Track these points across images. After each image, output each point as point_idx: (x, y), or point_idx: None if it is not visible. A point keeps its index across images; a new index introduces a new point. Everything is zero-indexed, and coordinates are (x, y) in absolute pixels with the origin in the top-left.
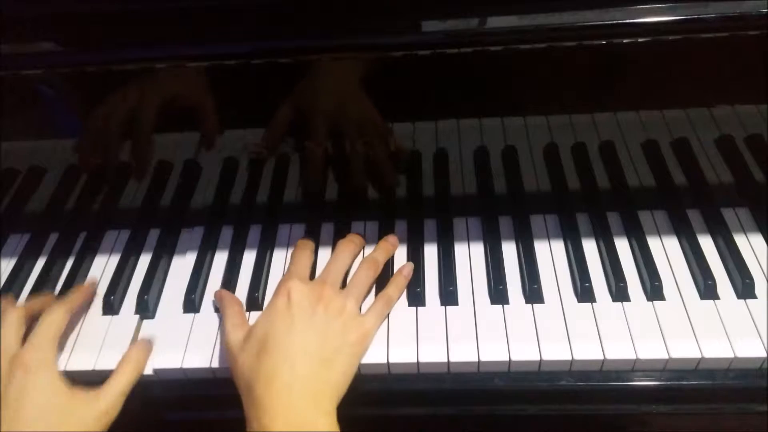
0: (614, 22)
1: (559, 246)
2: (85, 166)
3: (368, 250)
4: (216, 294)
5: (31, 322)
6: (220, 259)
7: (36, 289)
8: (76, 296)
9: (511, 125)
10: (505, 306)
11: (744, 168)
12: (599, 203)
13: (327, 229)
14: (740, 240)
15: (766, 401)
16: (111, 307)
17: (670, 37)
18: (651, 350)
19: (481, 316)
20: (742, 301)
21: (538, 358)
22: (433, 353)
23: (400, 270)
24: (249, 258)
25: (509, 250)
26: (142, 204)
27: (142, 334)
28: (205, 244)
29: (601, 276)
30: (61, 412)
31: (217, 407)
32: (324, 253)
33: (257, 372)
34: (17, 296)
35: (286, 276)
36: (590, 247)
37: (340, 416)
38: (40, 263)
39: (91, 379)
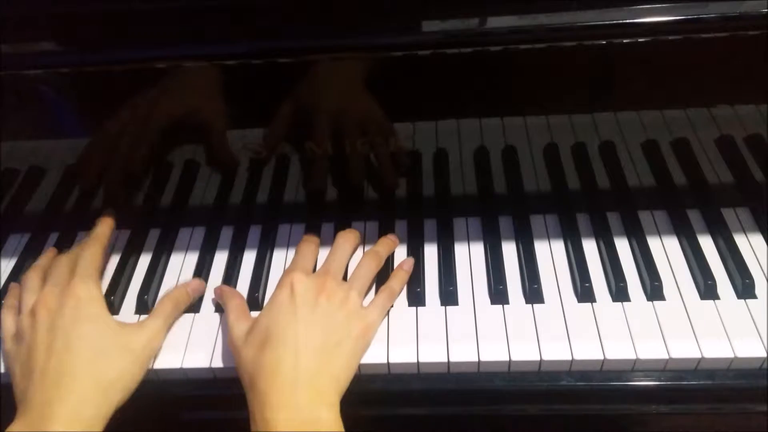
0: (614, 22)
1: (559, 246)
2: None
3: (369, 247)
4: (216, 290)
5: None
6: (220, 259)
7: None
8: (102, 229)
9: (511, 125)
10: (505, 306)
11: (744, 168)
12: (599, 203)
13: (327, 229)
14: (740, 240)
15: (766, 401)
16: (111, 306)
17: (670, 37)
18: (651, 350)
19: (481, 316)
20: (742, 301)
21: (538, 358)
22: (433, 353)
23: (400, 264)
24: (249, 258)
25: (509, 250)
26: (143, 204)
27: None
28: (205, 244)
29: (601, 276)
30: (110, 338)
31: (219, 407)
32: (324, 253)
33: (260, 365)
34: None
35: (290, 268)
36: (590, 247)
37: (341, 415)
38: None
39: None
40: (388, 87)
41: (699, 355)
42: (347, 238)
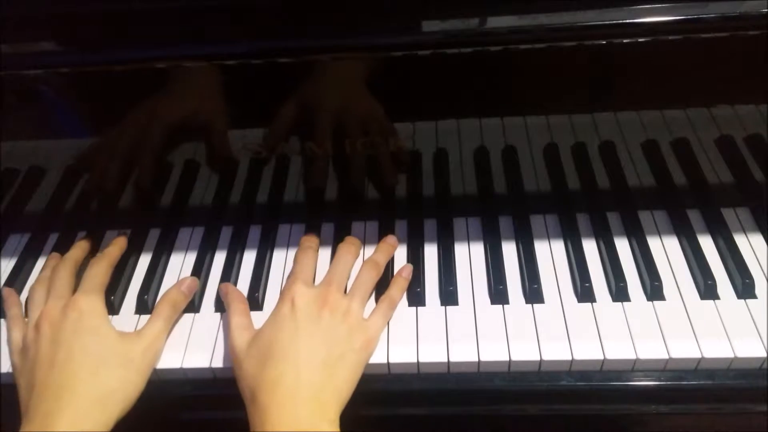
0: (614, 22)
1: (559, 246)
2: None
3: (368, 249)
4: (221, 287)
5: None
6: (220, 259)
7: None
8: (114, 249)
9: (511, 125)
10: (505, 306)
11: (744, 168)
12: (599, 203)
13: (327, 229)
14: (740, 240)
15: (766, 401)
16: (111, 306)
17: (670, 37)
18: (651, 350)
19: (481, 316)
20: (742, 301)
21: (538, 358)
22: (433, 353)
23: (399, 272)
24: (249, 258)
25: (509, 250)
26: (143, 204)
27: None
28: (205, 243)
29: (601, 276)
30: (110, 349)
31: (219, 407)
32: (324, 253)
33: (262, 379)
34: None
35: (291, 280)
36: (590, 247)
37: (341, 416)
38: (40, 263)
39: None
40: (388, 87)
41: (699, 355)
42: (348, 249)
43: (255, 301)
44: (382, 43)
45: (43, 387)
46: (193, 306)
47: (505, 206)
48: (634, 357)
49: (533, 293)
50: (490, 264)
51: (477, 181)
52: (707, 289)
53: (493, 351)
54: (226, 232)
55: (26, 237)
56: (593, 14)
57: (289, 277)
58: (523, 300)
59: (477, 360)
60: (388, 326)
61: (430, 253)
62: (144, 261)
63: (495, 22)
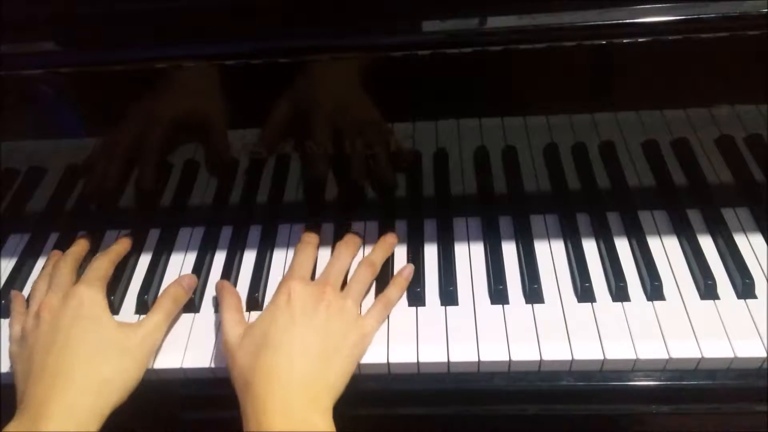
0: (614, 22)
1: (559, 246)
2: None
3: (368, 250)
4: (217, 284)
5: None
6: (220, 259)
7: None
8: (118, 246)
9: (511, 125)
10: (505, 306)
11: (744, 168)
12: (599, 203)
13: (327, 229)
14: (740, 240)
15: (766, 401)
16: (111, 306)
17: (670, 37)
18: (651, 350)
19: (481, 316)
20: (742, 301)
21: (538, 358)
22: (433, 353)
23: (400, 271)
24: (249, 258)
25: (509, 250)
26: (143, 204)
27: None
28: (205, 244)
29: (601, 276)
30: (108, 338)
31: (219, 407)
32: (324, 253)
33: (255, 369)
34: None
35: (288, 274)
36: (590, 247)
37: (341, 416)
38: (40, 263)
39: None
40: (388, 87)
41: (699, 355)
42: (347, 247)
43: (255, 301)
44: (382, 43)
45: (39, 372)
46: (193, 306)
47: (505, 206)
48: (634, 357)
49: (533, 293)
50: (490, 264)
51: (477, 181)
52: (707, 289)
53: (493, 351)
54: (226, 232)
55: (26, 237)
56: (593, 14)
57: (288, 271)
58: (523, 300)
59: (477, 360)
60: (388, 326)
61: (430, 253)
62: (144, 261)
63: (495, 22)
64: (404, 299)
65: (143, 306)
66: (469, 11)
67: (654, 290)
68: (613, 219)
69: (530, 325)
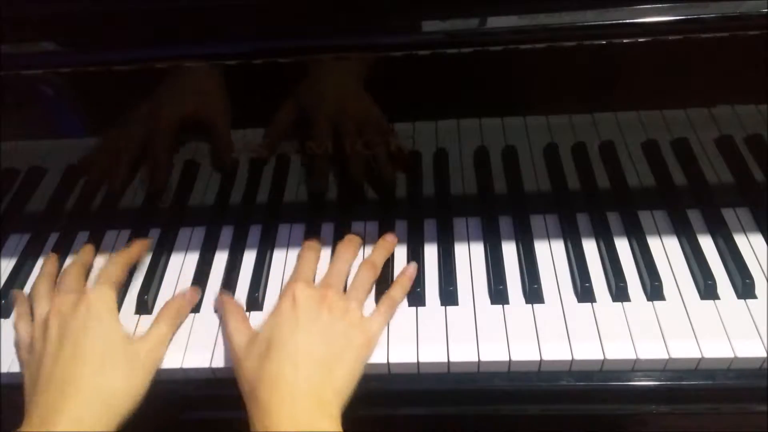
0: (614, 22)
1: (559, 246)
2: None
3: (368, 250)
4: (217, 299)
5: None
6: (221, 259)
7: None
8: (132, 249)
9: (511, 125)
10: (505, 306)
11: (744, 168)
12: (599, 203)
13: (327, 229)
14: (740, 240)
15: (766, 401)
16: None
17: (670, 37)
18: (651, 350)
19: (481, 316)
20: (742, 301)
21: (538, 358)
22: (433, 353)
23: (403, 271)
24: (249, 258)
25: (509, 250)
26: (143, 204)
27: (140, 332)
28: (206, 244)
29: (601, 276)
30: (116, 349)
31: (219, 407)
32: (324, 253)
33: (261, 375)
34: None
35: (292, 278)
36: (590, 247)
37: (341, 416)
38: (40, 263)
39: None
40: (388, 87)
41: (699, 355)
42: (347, 248)
43: (255, 301)
44: (382, 43)
45: (46, 382)
46: (194, 306)
47: (505, 206)
48: (634, 357)
49: (533, 293)
50: (490, 264)
51: (477, 181)
52: (707, 289)
53: (493, 351)
54: (227, 232)
55: (26, 237)
56: (593, 14)
57: (291, 275)
58: (523, 300)
59: (477, 360)
60: (388, 326)
61: (430, 253)
62: (144, 261)
63: (495, 22)
64: (404, 299)
65: (143, 306)
66: (469, 11)
67: (654, 290)
68: (613, 219)
69: (530, 325)
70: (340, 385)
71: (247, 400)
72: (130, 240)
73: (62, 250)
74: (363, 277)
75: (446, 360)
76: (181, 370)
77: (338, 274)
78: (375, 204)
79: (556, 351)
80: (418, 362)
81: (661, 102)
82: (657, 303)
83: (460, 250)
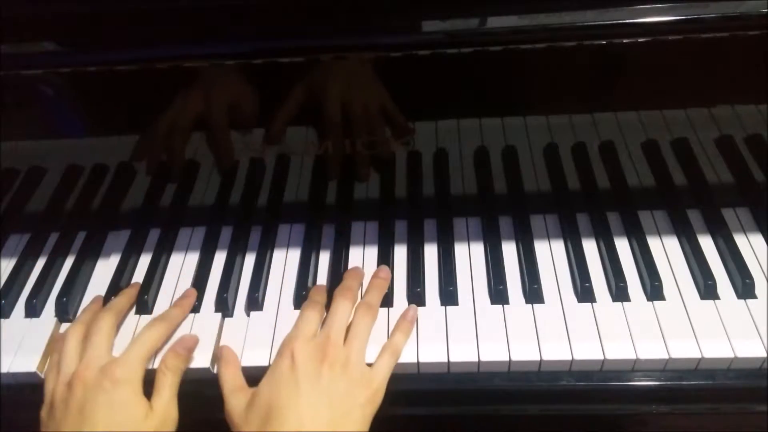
0: (614, 22)
1: (559, 246)
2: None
3: (368, 249)
4: (216, 350)
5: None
6: (220, 259)
7: (36, 289)
8: (176, 312)
9: (511, 125)
10: (505, 306)
11: (744, 168)
12: (599, 203)
13: (327, 229)
14: (740, 240)
15: (766, 401)
16: None
17: (670, 37)
18: (651, 350)
19: (481, 316)
20: (742, 301)
21: (538, 358)
22: (433, 353)
23: (404, 315)
24: (249, 258)
25: (509, 250)
26: (142, 204)
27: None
28: (206, 244)
29: (601, 276)
30: (134, 427)
31: (219, 407)
32: (324, 254)
33: None
34: (17, 296)
35: (293, 333)
36: (590, 247)
37: None
38: (40, 263)
39: None
40: (388, 87)
41: (699, 355)
42: (345, 295)
43: (255, 302)
44: (382, 43)
45: None
46: (194, 306)
47: (505, 206)
48: (634, 357)
49: (533, 293)
50: (490, 264)
51: (477, 181)
52: (707, 289)
53: (493, 351)
54: (227, 233)
55: (26, 237)
56: (593, 14)
57: (292, 330)
58: (523, 300)
59: (477, 360)
60: (388, 327)
61: (430, 253)
62: (144, 261)
63: (495, 22)
64: (404, 299)
65: (143, 306)
66: (469, 11)
67: (654, 290)
68: (613, 219)
69: (530, 325)
70: None
71: None
72: (130, 240)
73: (62, 250)
74: (361, 323)
75: (446, 360)
76: None
77: (337, 325)
78: (375, 204)
79: (556, 351)
80: (418, 362)
81: (661, 102)
82: (657, 303)
83: (460, 250)
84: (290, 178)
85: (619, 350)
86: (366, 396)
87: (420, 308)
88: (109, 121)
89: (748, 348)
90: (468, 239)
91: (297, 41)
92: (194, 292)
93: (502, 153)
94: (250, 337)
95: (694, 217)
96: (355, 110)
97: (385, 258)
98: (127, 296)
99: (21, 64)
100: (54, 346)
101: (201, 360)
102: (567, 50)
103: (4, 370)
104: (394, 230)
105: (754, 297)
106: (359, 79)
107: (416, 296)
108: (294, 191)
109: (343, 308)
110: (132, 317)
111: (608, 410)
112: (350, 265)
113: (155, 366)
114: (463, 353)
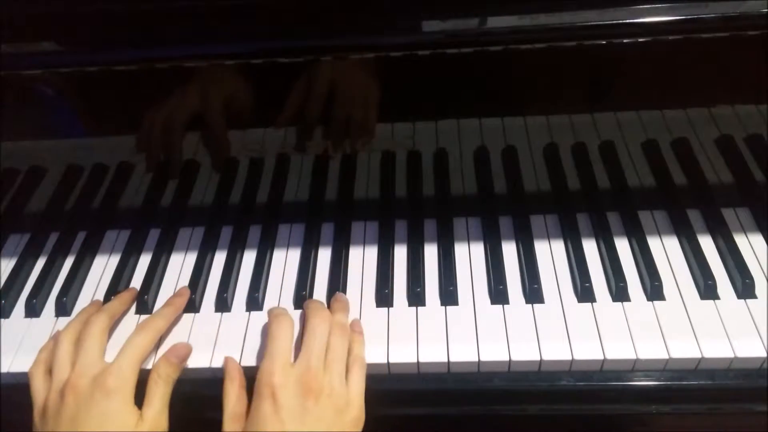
0: (614, 22)
1: (559, 246)
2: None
3: (368, 250)
4: (225, 359)
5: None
6: (220, 259)
7: (36, 289)
8: (167, 311)
9: (511, 125)
10: (505, 306)
11: (744, 168)
12: (599, 203)
13: (327, 229)
14: (740, 240)
15: (766, 401)
16: None
17: (670, 37)
18: (651, 350)
19: (481, 316)
20: (742, 301)
21: (538, 358)
22: (433, 353)
23: (352, 325)
24: (249, 258)
25: (509, 250)
26: (142, 204)
27: None
28: (205, 244)
29: (601, 276)
30: None
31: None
32: (324, 254)
33: None
34: (17, 296)
35: (267, 362)
36: (590, 247)
37: None
38: (40, 263)
39: None
40: (388, 87)
41: (699, 355)
42: (320, 318)
43: (255, 302)
44: (382, 43)
45: None
46: (194, 306)
47: (505, 206)
48: (634, 357)
49: (533, 293)
50: (490, 264)
51: (477, 181)
52: (707, 289)
53: (493, 351)
54: (226, 232)
55: (26, 237)
56: (593, 14)
57: (264, 356)
58: (523, 300)
59: (477, 360)
60: (388, 326)
61: (430, 253)
62: (144, 261)
63: (495, 22)
64: (404, 299)
65: (143, 306)
66: (469, 11)
67: (654, 290)
68: (613, 219)
69: (530, 325)
70: None
71: None
72: (130, 240)
73: (62, 251)
74: (337, 345)
75: (446, 360)
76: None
77: (316, 350)
78: (375, 204)
79: (556, 351)
80: (418, 362)
81: (661, 102)
82: (657, 303)
83: (460, 250)
84: (290, 178)
85: (619, 350)
86: (350, 419)
87: (420, 308)
88: (109, 121)
89: (748, 348)
90: (468, 239)
91: (296, 41)
92: (187, 291)
93: (502, 153)
94: (250, 337)
95: (694, 217)
96: (353, 110)
97: (385, 258)
98: (121, 300)
99: (21, 64)
100: (46, 344)
101: (201, 359)
102: (567, 50)
103: (4, 370)
104: (394, 230)
105: (754, 297)
106: (358, 80)
107: (416, 296)
108: (294, 191)
109: (319, 331)
110: (132, 317)
111: (608, 410)
112: (350, 265)
113: (149, 366)
114: (463, 353)
